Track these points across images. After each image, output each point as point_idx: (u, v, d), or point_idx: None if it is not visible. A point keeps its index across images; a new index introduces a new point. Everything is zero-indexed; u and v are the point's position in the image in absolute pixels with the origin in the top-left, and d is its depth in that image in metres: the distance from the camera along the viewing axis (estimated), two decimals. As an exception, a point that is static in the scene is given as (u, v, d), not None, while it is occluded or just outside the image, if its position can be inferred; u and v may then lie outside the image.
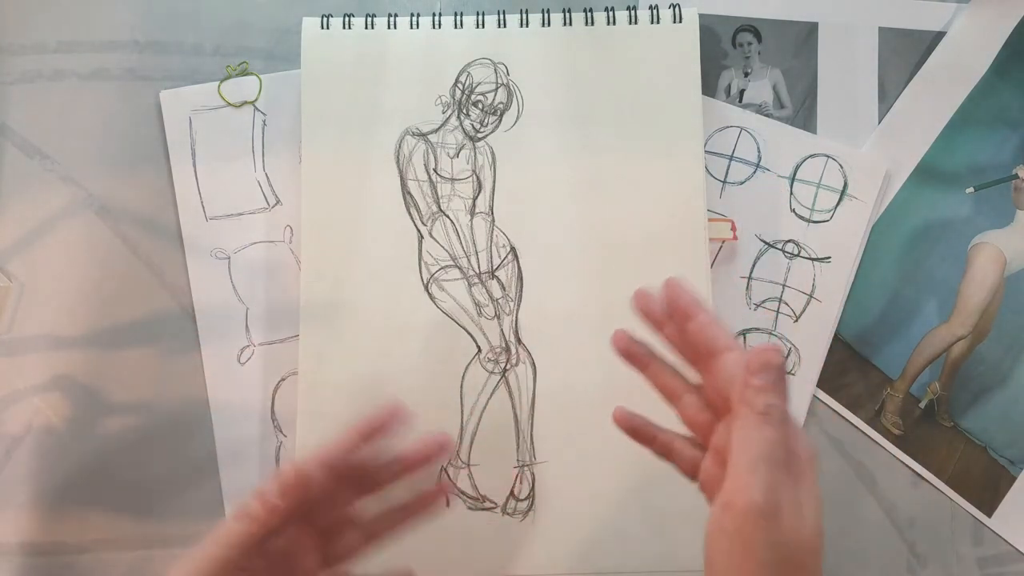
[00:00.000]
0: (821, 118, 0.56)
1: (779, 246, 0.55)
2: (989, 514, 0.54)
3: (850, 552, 0.53)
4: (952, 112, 0.56)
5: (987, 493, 0.54)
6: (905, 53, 0.57)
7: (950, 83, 0.57)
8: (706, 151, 0.55)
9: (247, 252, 0.54)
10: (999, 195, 0.56)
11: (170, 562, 0.51)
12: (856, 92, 0.57)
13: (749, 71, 0.57)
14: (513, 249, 0.53)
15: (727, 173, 0.56)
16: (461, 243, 0.53)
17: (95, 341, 0.53)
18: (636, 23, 0.54)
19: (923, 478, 0.54)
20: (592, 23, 0.54)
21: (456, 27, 0.54)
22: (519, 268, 0.53)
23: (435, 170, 0.53)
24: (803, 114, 0.56)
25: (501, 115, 0.54)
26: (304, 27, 0.54)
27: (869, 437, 0.54)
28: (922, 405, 0.55)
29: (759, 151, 0.56)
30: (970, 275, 0.55)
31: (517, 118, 0.54)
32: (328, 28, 0.54)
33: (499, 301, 0.53)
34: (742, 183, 0.56)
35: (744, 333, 0.55)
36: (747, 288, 0.55)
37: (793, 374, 0.54)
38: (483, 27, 0.54)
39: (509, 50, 0.54)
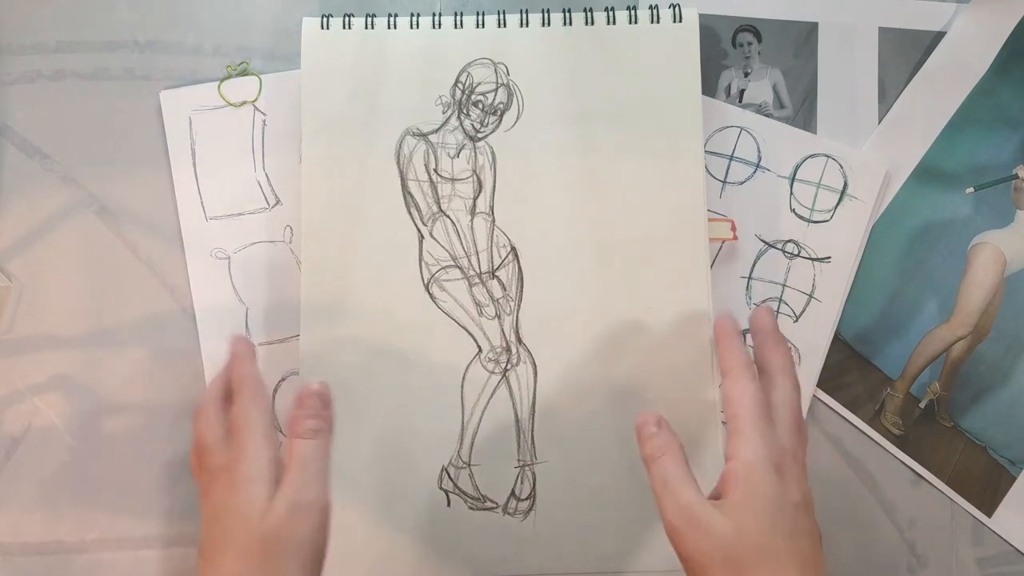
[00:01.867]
0: (821, 118, 0.56)
1: (779, 246, 0.55)
2: (989, 514, 0.54)
3: (850, 552, 0.53)
4: (952, 112, 0.56)
5: (987, 493, 0.54)
6: (905, 53, 0.57)
7: (950, 83, 0.56)
8: (706, 151, 0.55)
9: (247, 252, 0.54)
10: (999, 195, 0.56)
11: (170, 562, 0.52)
12: (856, 92, 0.57)
13: (749, 71, 0.57)
14: (514, 249, 0.53)
15: (727, 173, 0.56)
16: (462, 243, 0.53)
17: (95, 341, 0.53)
18: (636, 23, 0.54)
19: (923, 478, 0.54)
20: (592, 23, 0.54)
21: (456, 27, 0.54)
22: (519, 268, 0.53)
23: (435, 170, 0.53)
24: (803, 114, 0.56)
25: (501, 115, 0.54)
26: (304, 27, 0.54)
27: (869, 437, 0.54)
28: (922, 405, 0.55)
29: (759, 151, 0.56)
30: (970, 275, 0.55)
31: (517, 118, 0.54)
32: (328, 28, 0.54)
33: (499, 301, 0.53)
34: (742, 183, 0.56)
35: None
36: (747, 288, 0.55)
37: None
38: (483, 27, 0.54)
39: (509, 50, 0.54)
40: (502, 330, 0.53)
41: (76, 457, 0.52)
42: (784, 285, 0.55)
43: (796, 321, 0.55)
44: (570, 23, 0.54)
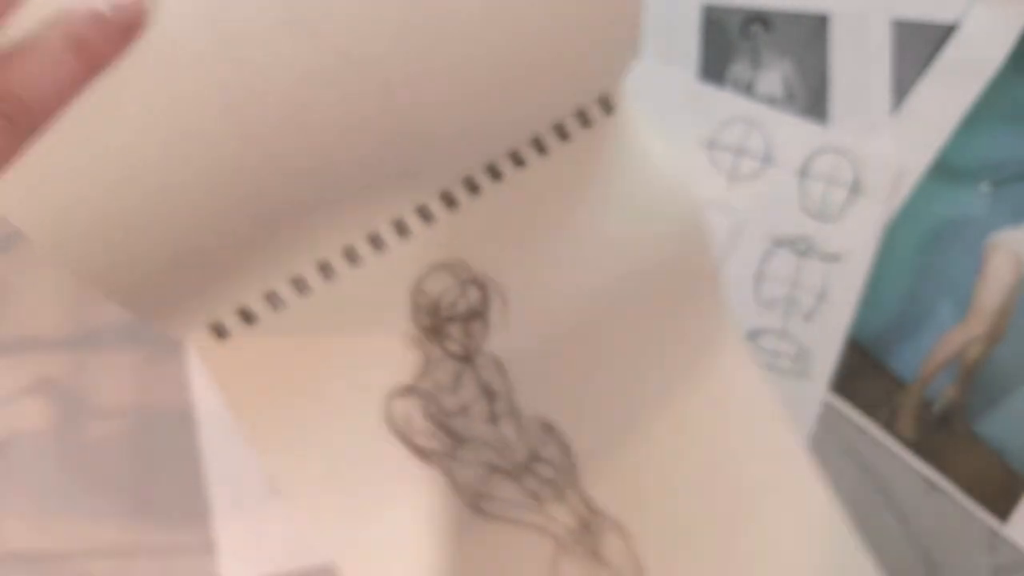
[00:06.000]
0: (832, 112, 0.55)
1: (788, 244, 0.54)
2: (1004, 521, 0.53)
3: (862, 559, 0.52)
4: (968, 106, 0.55)
5: (1002, 500, 0.53)
6: (919, 46, 0.56)
7: (965, 77, 0.56)
8: (712, 145, 0.54)
9: (238, 250, 0.53)
10: (1017, 192, 0.55)
11: (155, 571, 0.51)
12: (869, 85, 0.56)
13: (758, 63, 0.56)
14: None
15: (733, 168, 0.54)
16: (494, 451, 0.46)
17: (79, 343, 0.52)
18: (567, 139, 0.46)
19: (937, 484, 0.53)
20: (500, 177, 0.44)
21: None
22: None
23: (441, 413, 0.45)
24: (814, 107, 0.55)
25: (484, 313, 0.44)
26: None
27: (882, 442, 0.53)
28: (937, 409, 0.54)
29: (767, 145, 0.55)
30: (986, 275, 0.54)
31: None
32: None
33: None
34: (749, 178, 0.54)
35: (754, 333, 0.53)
36: (755, 287, 0.54)
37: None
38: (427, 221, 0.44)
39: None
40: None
41: (59, 463, 0.51)
42: (794, 284, 0.54)
43: (807, 322, 0.53)
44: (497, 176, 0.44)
